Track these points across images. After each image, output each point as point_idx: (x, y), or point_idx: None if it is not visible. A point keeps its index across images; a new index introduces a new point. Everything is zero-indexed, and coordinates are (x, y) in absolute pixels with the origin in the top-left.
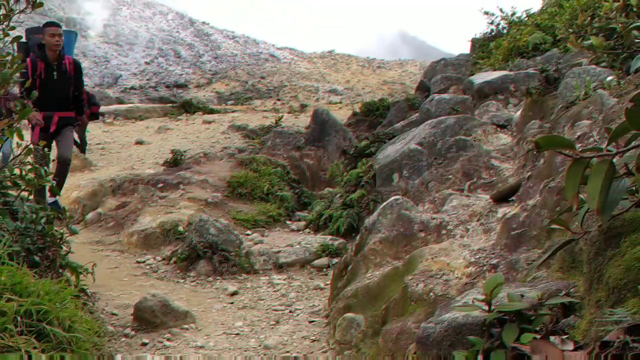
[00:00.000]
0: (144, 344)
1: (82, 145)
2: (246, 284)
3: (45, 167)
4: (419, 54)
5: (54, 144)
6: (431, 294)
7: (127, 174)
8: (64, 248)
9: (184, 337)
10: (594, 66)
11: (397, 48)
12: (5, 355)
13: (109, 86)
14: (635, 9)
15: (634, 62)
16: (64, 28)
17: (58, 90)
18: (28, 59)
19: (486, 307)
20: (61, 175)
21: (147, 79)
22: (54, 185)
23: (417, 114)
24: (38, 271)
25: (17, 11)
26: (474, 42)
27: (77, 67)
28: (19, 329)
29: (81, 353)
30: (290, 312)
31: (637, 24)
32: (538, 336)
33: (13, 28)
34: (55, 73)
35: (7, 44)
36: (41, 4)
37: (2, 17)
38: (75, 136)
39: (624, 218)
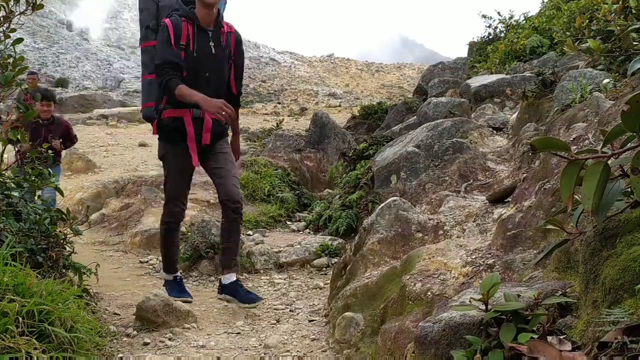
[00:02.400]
0: (146, 344)
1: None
2: (247, 283)
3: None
4: (418, 57)
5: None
6: (429, 293)
7: (131, 175)
8: (68, 248)
9: (185, 337)
10: (590, 69)
11: (397, 51)
12: (2, 356)
13: (112, 89)
14: (634, 11)
15: (632, 64)
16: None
17: (215, 73)
18: (166, 19)
19: (483, 307)
20: (234, 232)
21: None
22: (222, 254)
23: (414, 117)
24: (41, 272)
25: (17, 13)
26: (472, 45)
27: (239, 40)
28: (21, 329)
29: (82, 353)
30: (290, 311)
31: (636, 25)
32: (535, 336)
33: (14, 30)
34: (212, 45)
35: (8, 46)
36: (42, 6)
37: (2, 18)
38: None
39: (619, 219)
